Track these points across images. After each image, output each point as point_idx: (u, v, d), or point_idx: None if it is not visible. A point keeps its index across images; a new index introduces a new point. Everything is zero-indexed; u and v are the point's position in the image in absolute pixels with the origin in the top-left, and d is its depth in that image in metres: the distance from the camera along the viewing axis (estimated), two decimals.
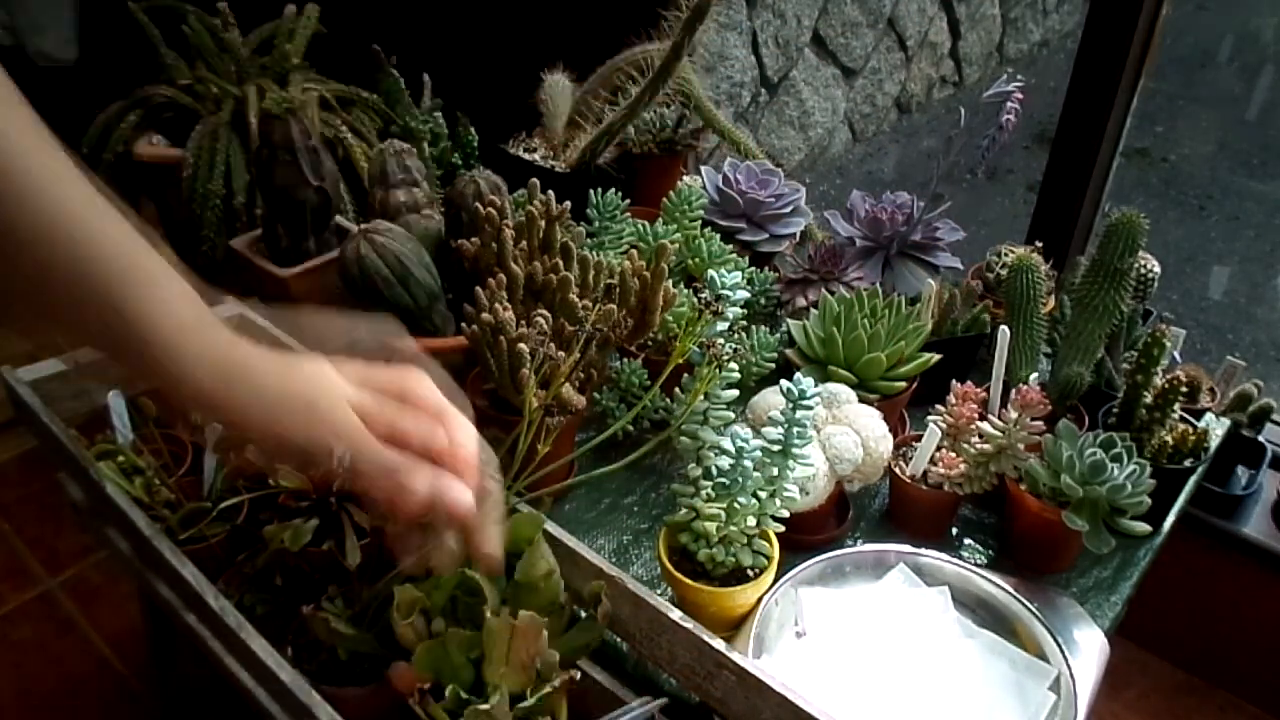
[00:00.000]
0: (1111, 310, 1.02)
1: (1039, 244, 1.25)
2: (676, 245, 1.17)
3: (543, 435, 0.80)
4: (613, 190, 1.21)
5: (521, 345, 0.83)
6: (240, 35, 1.66)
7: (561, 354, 0.83)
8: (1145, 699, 1.58)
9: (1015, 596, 0.83)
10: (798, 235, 1.33)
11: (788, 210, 1.32)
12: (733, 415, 0.90)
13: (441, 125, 1.50)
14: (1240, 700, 1.58)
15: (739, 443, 0.79)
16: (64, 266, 0.49)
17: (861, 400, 0.97)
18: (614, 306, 0.92)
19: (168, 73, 1.68)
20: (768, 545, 0.84)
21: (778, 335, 1.13)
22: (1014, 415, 0.93)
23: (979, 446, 0.95)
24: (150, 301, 0.51)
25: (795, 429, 0.79)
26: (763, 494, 0.82)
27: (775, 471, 0.81)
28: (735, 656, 0.68)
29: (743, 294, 0.85)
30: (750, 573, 0.83)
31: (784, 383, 0.81)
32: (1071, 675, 0.77)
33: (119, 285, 0.50)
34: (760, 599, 0.82)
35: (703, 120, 1.46)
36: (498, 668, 0.68)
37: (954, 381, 1.01)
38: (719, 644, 0.69)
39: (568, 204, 0.98)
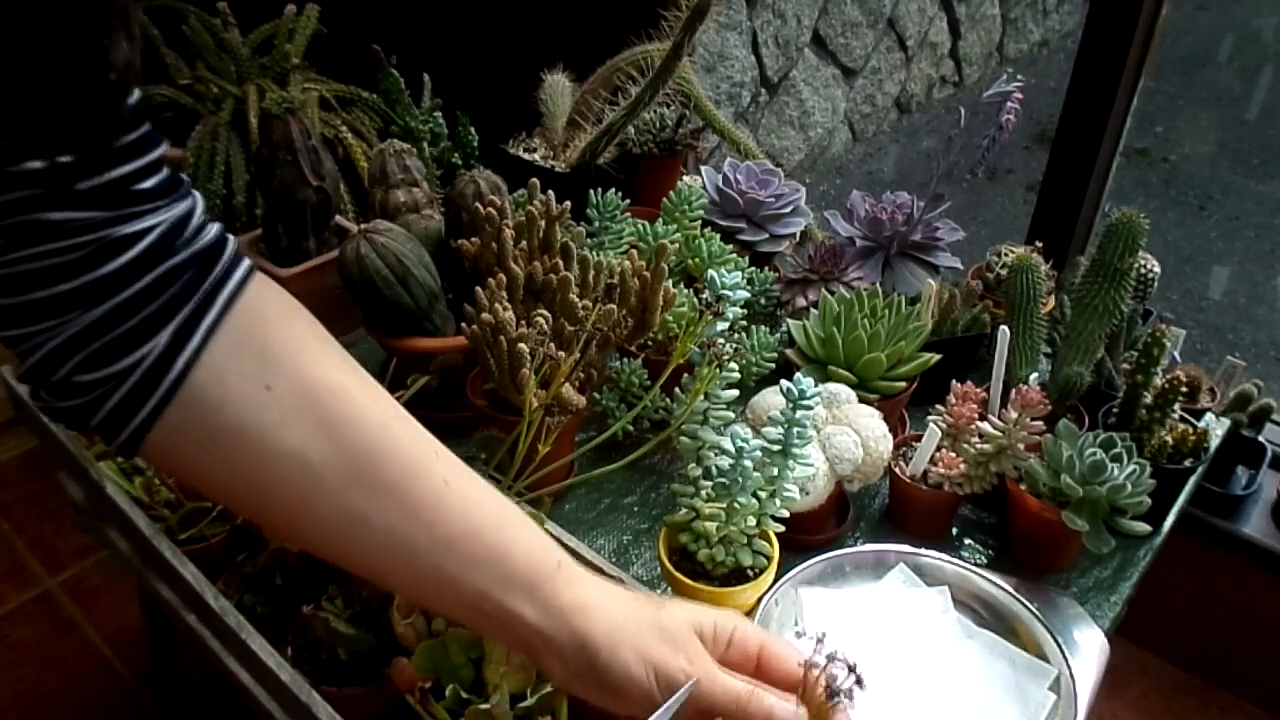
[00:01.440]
0: (1111, 310, 1.02)
1: (1039, 244, 1.25)
2: (676, 245, 1.17)
3: (543, 435, 0.80)
4: (613, 190, 1.21)
5: (521, 345, 0.83)
6: (240, 35, 1.66)
7: (561, 354, 0.83)
8: (1145, 699, 1.58)
9: (1015, 596, 0.83)
10: (798, 235, 1.33)
11: (788, 210, 1.32)
12: (733, 415, 0.90)
13: (441, 125, 1.50)
14: (1240, 700, 1.58)
15: (739, 443, 0.79)
16: (470, 563, 0.53)
17: (861, 400, 0.97)
18: (614, 306, 0.92)
19: (168, 73, 1.68)
20: (768, 545, 0.84)
21: (778, 335, 1.13)
22: (1014, 415, 0.93)
23: (979, 446, 0.95)
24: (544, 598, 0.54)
25: (795, 429, 0.79)
26: (763, 494, 0.82)
27: (775, 471, 0.81)
28: None
29: (743, 294, 0.85)
30: (750, 573, 0.83)
31: (784, 383, 0.81)
32: (1071, 675, 0.77)
33: (521, 588, 0.53)
34: (760, 599, 0.82)
35: (703, 120, 1.46)
36: (498, 667, 0.68)
37: (954, 381, 1.01)
38: None
39: (568, 204, 0.98)
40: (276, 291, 0.53)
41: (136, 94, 0.46)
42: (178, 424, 0.48)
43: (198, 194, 0.51)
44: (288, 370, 0.50)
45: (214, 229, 0.51)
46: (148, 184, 0.47)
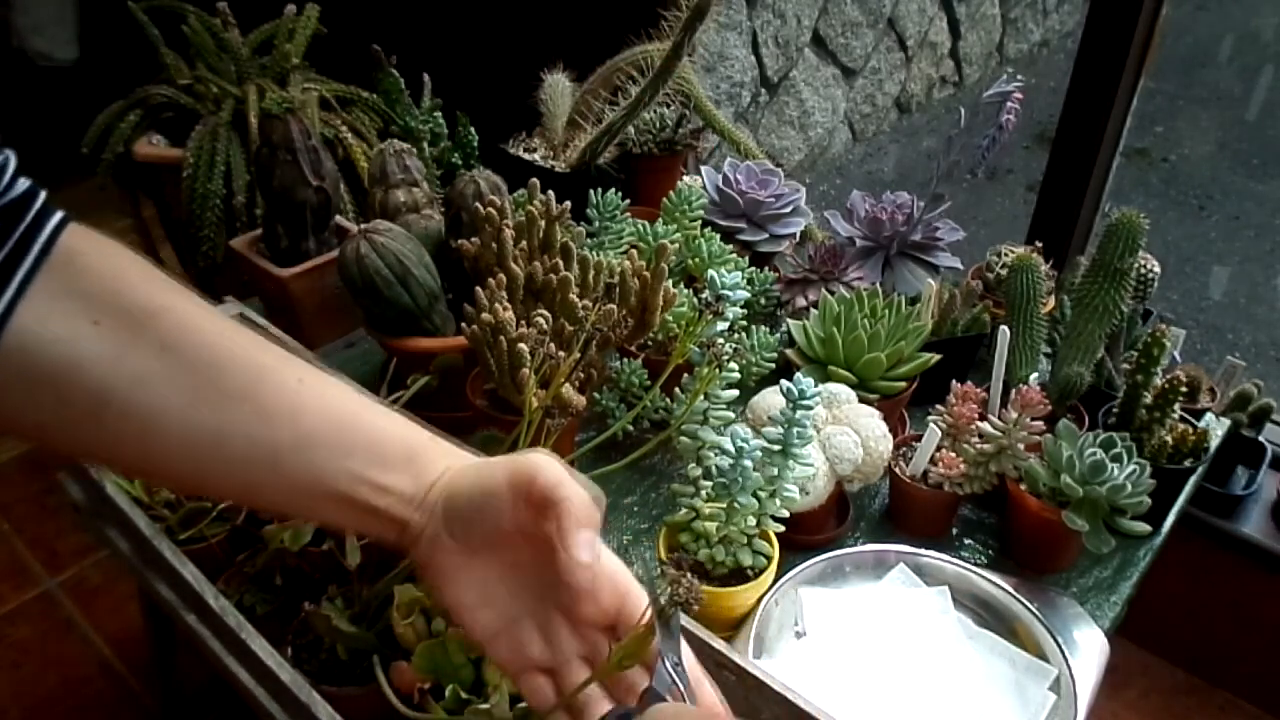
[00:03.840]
0: (1111, 310, 1.02)
1: (1039, 244, 1.25)
2: (676, 245, 1.17)
3: (543, 436, 0.80)
4: (613, 190, 1.21)
5: (521, 345, 0.83)
6: (240, 35, 1.66)
7: (561, 354, 0.83)
8: (1145, 699, 1.58)
9: (1015, 596, 0.83)
10: (798, 235, 1.33)
11: (788, 210, 1.32)
12: (733, 415, 0.90)
13: (441, 125, 1.50)
14: (1240, 700, 1.58)
15: (739, 443, 0.79)
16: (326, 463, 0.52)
17: (861, 400, 0.97)
18: (614, 306, 0.92)
19: (168, 73, 1.68)
20: (768, 545, 0.84)
21: (778, 335, 1.13)
22: (1014, 415, 0.93)
23: (979, 446, 0.95)
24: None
25: (795, 429, 0.79)
26: (763, 494, 0.82)
27: (775, 471, 0.81)
28: (735, 656, 0.68)
29: (743, 294, 0.85)
30: (750, 573, 0.83)
31: (784, 383, 0.81)
32: (1071, 675, 0.77)
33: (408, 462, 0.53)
34: (760, 599, 0.82)
35: (703, 120, 1.46)
36: (498, 668, 0.67)
37: (954, 381, 1.01)
38: (719, 644, 0.69)
39: (568, 204, 0.98)
40: (93, 236, 0.52)
41: None
42: (4, 374, 0.47)
43: (10, 151, 0.50)
44: (113, 301, 0.49)
45: (24, 183, 0.50)
46: None
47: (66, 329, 0.48)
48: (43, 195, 0.50)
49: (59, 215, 0.50)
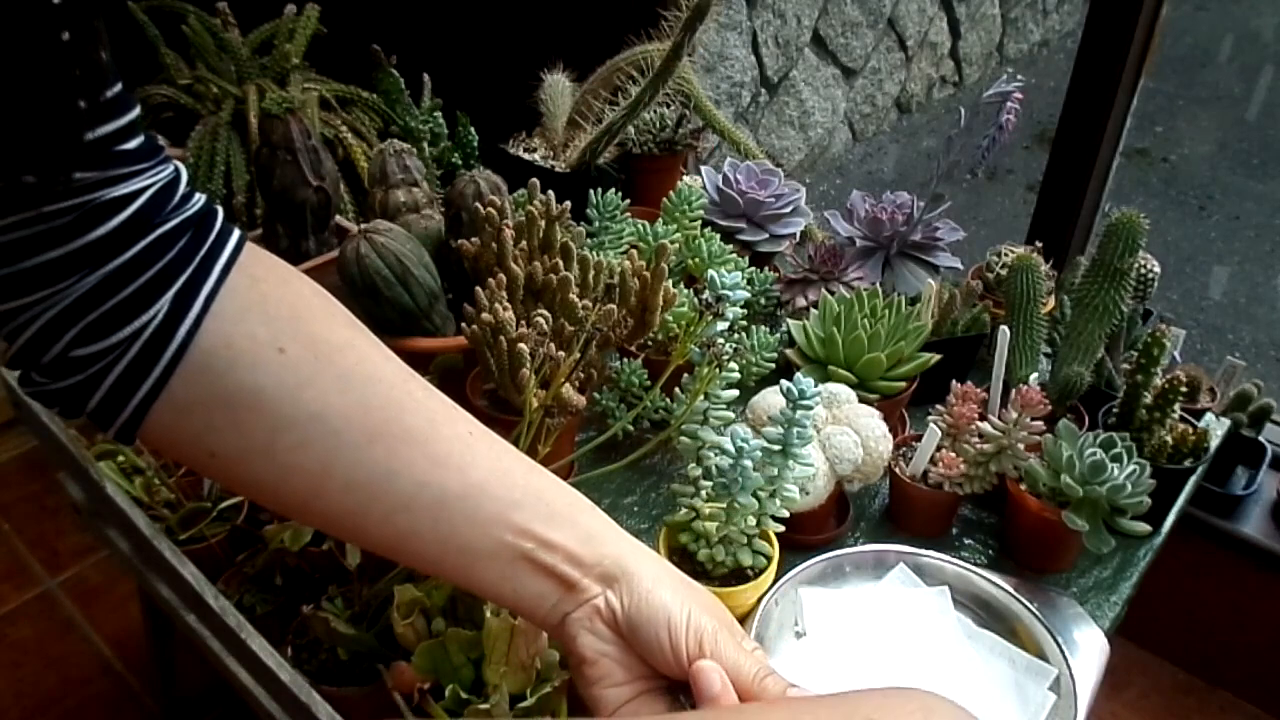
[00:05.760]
0: (1111, 310, 1.02)
1: (1039, 244, 1.25)
2: (676, 245, 1.17)
3: (543, 436, 0.80)
4: (613, 190, 1.21)
5: (521, 345, 0.83)
6: (240, 35, 1.66)
7: (561, 354, 0.83)
8: (1145, 699, 1.58)
9: (1015, 596, 0.83)
10: (798, 235, 1.33)
11: (788, 210, 1.32)
12: (733, 415, 0.90)
13: (441, 125, 1.50)
14: (1240, 700, 1.58)
15: (739, 443, 0.79)
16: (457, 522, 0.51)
17: (861, 400, 0.97)
18: (614, 306, 0.92)
19: (168, 73, 1.68)
20: (768, 545, 0.84)
21: (778, 335, 1.13)
22: (1014, 415, 0.93)
23: (979, 446, 0.95)
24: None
25: (795, 429, 0.79)
26: (763, 494, 0.82)
27: (775, 471, 0.81)
28: None
29: (743, 294, 0.85)
30: (750, 573, 0.83)
31: (784, 383, 0.81)
32: (1071, 675, 0.77)
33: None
34: (760, 599, 0.82)
35: (703, 120, 1.46)
36: (498, 668, 0.68)
37: (954, 381, 1.01)
38: None
39: (568, 204, 0.98)
40: (271, 258, 0.51)
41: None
42: (184, 396, 0.46)
43: (179, 163, 0.49)
44: (297, 331, 0.48)
45: (201, 197, 0.49)
46: (129, 145, 0.45)
47: (251, 354, 0.47)
48: (221, 212, 0.50)
49: (238, 233, 0.49)
